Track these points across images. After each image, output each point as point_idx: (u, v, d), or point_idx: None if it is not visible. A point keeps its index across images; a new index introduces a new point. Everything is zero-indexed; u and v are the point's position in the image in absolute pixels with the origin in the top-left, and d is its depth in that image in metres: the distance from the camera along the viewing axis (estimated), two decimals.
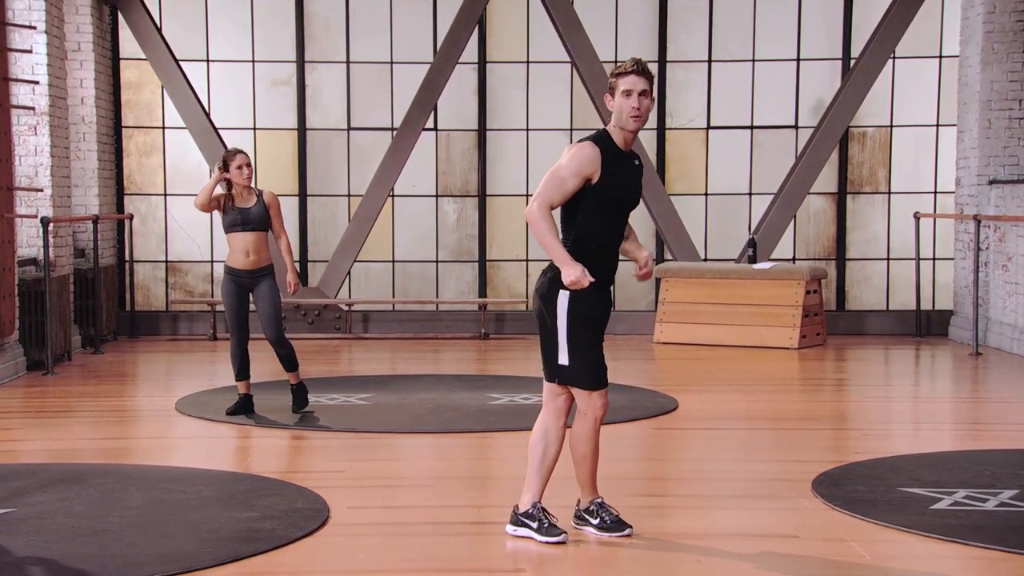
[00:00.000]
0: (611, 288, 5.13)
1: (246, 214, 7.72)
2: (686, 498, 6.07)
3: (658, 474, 6.74)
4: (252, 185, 7.79)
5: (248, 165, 7.74)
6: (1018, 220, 10.83)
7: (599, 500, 5.27)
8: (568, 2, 12.60)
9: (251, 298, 7.83)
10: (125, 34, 12.60)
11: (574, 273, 4.78)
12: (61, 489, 5.89)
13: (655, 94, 4.99)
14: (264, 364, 9.15)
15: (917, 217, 12.30)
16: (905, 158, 12.95)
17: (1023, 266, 10.97)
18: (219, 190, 7.83)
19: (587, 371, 5.03)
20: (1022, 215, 10.85)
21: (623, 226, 5.04)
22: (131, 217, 12.66)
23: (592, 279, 4.82)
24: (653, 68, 13.02)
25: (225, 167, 7.73)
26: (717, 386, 9.54)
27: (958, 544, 5.01)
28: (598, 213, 4.92)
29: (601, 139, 4.94)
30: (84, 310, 11.41)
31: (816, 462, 6.45)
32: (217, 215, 7.95)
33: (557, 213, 4.96)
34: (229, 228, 7.76)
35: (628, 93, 4.85)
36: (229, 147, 8.02)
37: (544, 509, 5.17)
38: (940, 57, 12.73)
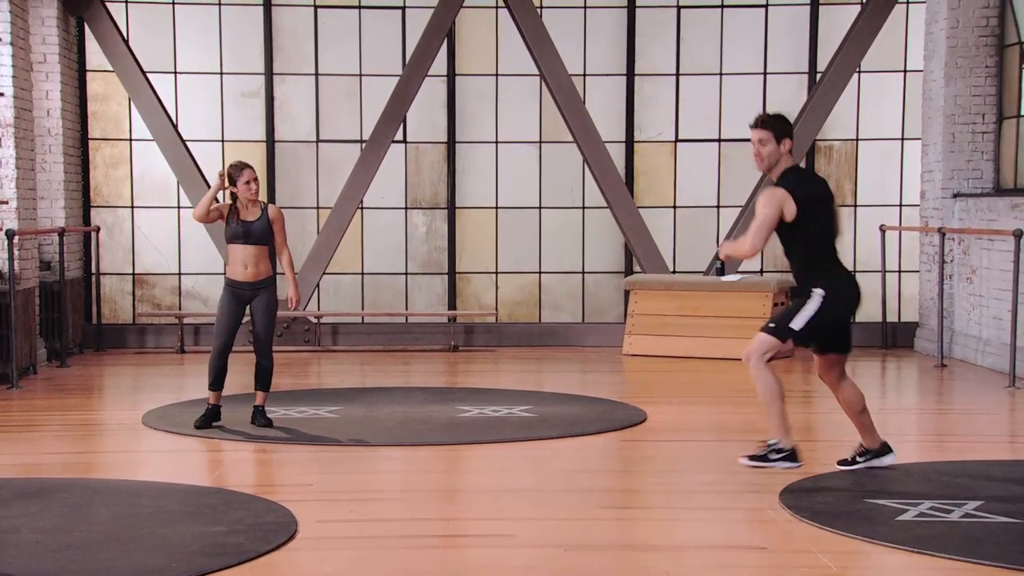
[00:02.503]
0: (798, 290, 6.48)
1: (249, 227, 7.73)
2: (654, 510, 6.09)
3: (626, 486, 6.75)
4: (257, 199, 7.79)
5: (256, 180, 7.77)
6: (982, 233, 10.94)
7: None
8: (536, 15, 12.64)
9: (247, 311, 7.82)
10: (92, 45, 12.53)
11: None
12: (27, 504, 5.84)
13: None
14: (236, 376, 9.10)
15: (883, 230, 12.40)
16: (871, 171, 13.07)
17: (987, 278, 11.09)
18: (220, 199, 7.82)
19: None
20: (986, 228, 10.97)
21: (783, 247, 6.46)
22: (98, 229, 12.58)
23: None
24: (622, 81, 13.24)
25: (231, 181, 7.71)
26: (685, 398, 9.58)
27: (924, 555, 5.05)
28: None
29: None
30: (50, 323, 11.32)
31: (784, 474, 6.48)
32: (199, 225, 7.95)
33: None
34: (231, 239, 7.78)
35: (752, 142, 6.39)
36: (234, 160, 8.00)
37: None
38: (905, 71, 12.86)
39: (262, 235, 7.76)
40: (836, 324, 6.36)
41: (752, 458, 6.57)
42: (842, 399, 6.54)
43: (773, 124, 6.26)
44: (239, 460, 7.29)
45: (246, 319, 7.90)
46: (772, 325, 6.31)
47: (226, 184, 7.75)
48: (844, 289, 6.37)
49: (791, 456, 6.53)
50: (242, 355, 8.19)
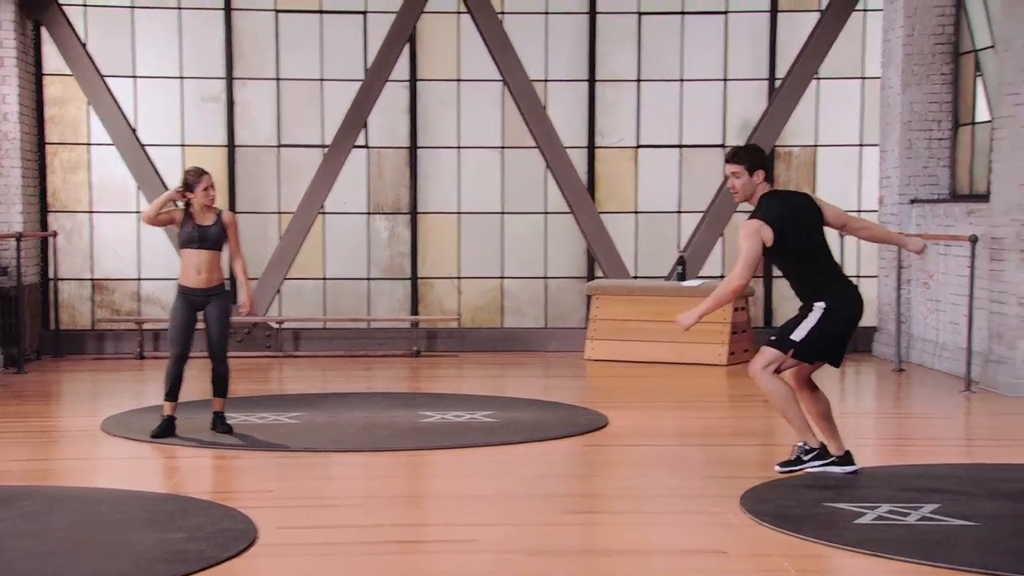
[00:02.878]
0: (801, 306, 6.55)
1: (204, 232, 7.67)
2: (616, 515, 6.11)
3: (588, 491, 6.77)
4: (214, 205, 7.74)
5: (213, 186, 7.73)
6: (938, 238, 11.07)
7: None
8: (498, 21, 12.66)
9: (200, 317, 7.76)
10: (49, 49, 12.42)
11: None
12: None
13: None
14: (194, 383, 9.03)
15: (842, 235, 12.49)
16: (830, 177, 13.17)
17: (944, 284, 11.22)
18: (173, 204, 7.74)
19: None
20: (942, 233, 11.10)
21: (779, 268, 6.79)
22: (55, 234, 12.46)
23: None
24: (583, 87, 13.28)
25: (188, 188, 7.65)
26: (647, 403, 9.62)
27: (881, 558, 5.10)
28: None
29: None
30: (6, 329, 11.19)
31: (744, 478, 6.53)
32: (158, 230, 7.89)
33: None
34: (184, 244, 7.72)
35: (727, 177, 6.53)
36: (191, 166, 7.94)
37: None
38: (863, 78, 12.99)
39: (216, 240, 7.70)
40: (841, 337, 6.50)
41: (785, 464, 6.67)
42: (811, 404, 6.61)
43: (745, 156, 6.47)
44: (198, 467, 7.24)
45: (201, 325, 7.83)
46: (773, 338, 6.48)
47: (184, 193, 7.68)
48: (845, 302, 6.46)
49: (822, 454, 6.62)
50: (199, 360, 8.12)
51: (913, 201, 11.91)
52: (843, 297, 6.45)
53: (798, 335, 6.38)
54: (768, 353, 6.43)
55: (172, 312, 7.78)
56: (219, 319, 7.73)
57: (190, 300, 7.71)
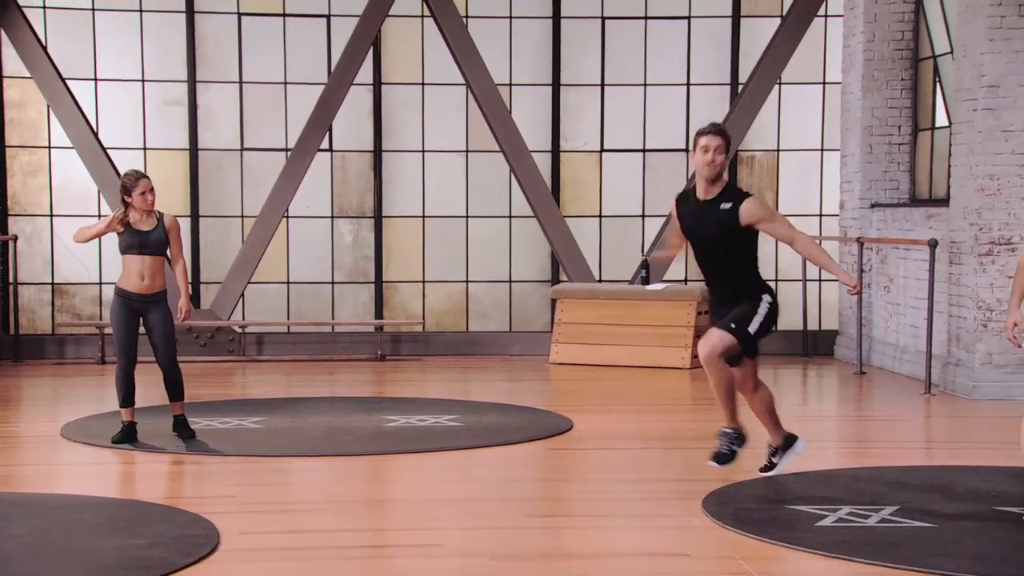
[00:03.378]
0: (727, 295, 6.31)
1: (145, 237, 7.53)
2: (578, 518, 6.13)
3: (551, 494, 6.79)
4: (153, 208, 7.61)
5: (152, 191, 7.53)
6: (898, 242, 11.18)
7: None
8: (462, 24, 12.67)
9: (141, 322, 7.66)
10: (8, 51, 12.30)
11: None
12: None
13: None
14: (152, 387, 8.97)
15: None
16: (792, 182, 13.28)
17: (904, 287, 11.33)
18: (119, 225, 7.58)
19: None
20: (902, 237, 11.21)
21: (711, 255, 6.29)
22: (15, 238, 12.34)
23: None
24: (547, 92, 13.34)
25: (126, 191, 7.53)
26: (611, 406, 9.65)
27: (842, 560, 5.15)
28: (692, 248, 6.46)
29: (684, 191, 6.48)
30: None
31: (706, 480, 6.56)
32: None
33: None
34: (125, 250, 7.56)
35: (706, 149, 6.09)
36: (128, 170, 7.78)
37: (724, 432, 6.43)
38: (824, 83, 13.10)
39: (158, 245, 7.57)
40: (769, 332, 6.41)
41: (766, 469, 6.62)
42: (757, 400, 6.52)
43: (727, 134, 6.22)
44: (160, 472, 7.20)
45: (143, 330, 7.70)
46: (733, 326, 6.18)
47: (124, 212, 7.54)
48: (776, 299, 6.41)
49: (741, 436, 6.46)
50: (154, 365, 8.02)
51: (873, 205, 12.02)
52: (775, 295, 6.38)
53: (753, 326, 6.19)
54: (728, 341, 6.17)
55: (114, 318, 7.62)
56: (164, 325, 7.59)
57: (130, 306, 7.57)
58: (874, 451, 7.94)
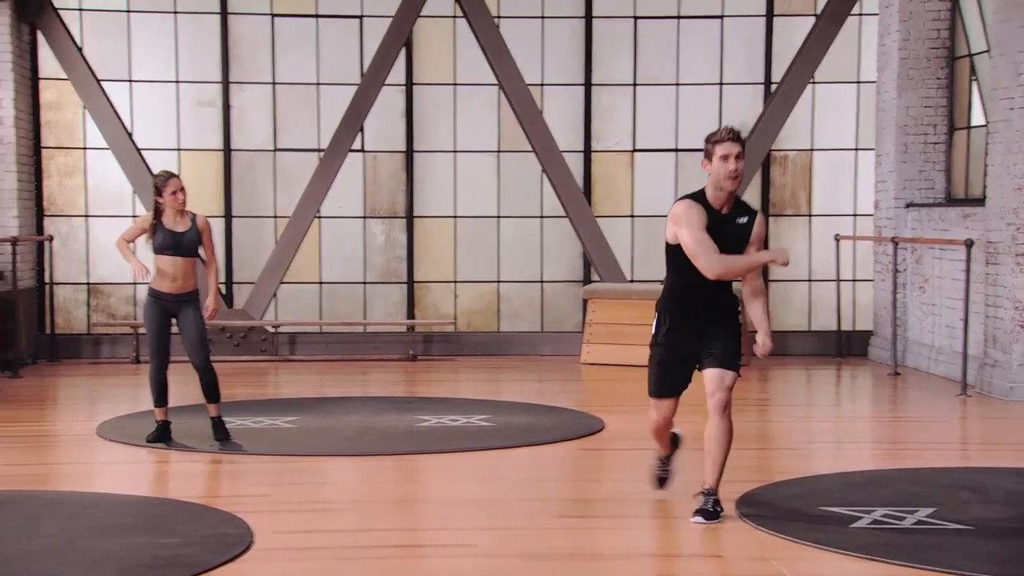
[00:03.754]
0: (706, 322, 5.73)
1: (178, 238, 7.58)
2: (610, 519, 6.10)
3: (583, 495, 6.77)
4: (185, 208, 7.65)
5: (183, 190, 7.58)
6: (934, 242, 11.09)
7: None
8: (494, 25, 12.67)
9: (174, 321, 7.70)
10: (45, 53, 12.41)
11: (776, 254, 5.69)
12: None
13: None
14: (186, 387, 9.03)
15: (837, 239, 12.52)
16: (825, 181, 13.19)
17: (939, 287, 11.23)
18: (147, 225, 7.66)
19: (650, 381, 5.97)
20: (938, 237, 11.11)
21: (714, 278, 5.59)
22: (51, 238, 12.45)
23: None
24: (579, 91, 13.32)
25: (157, 191, 7.59)
26: (642, 406, 9.53)
27: (876, 562, 5.10)
28: (682, 261, 5.63)
29: (699, 200, 5.68)
30: (2, 334, 11.17)
31: (739, 482, 6.52)
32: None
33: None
34: (158, 250, 7.61)
35: (726, 158, 5.50)
36: (159, 170, 7.83)
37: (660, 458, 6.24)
38: (858, 83, 13.00)
39: (191, 246, 7.61)
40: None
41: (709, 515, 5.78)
42: (666, 436, 6.11)
43: (743, 139, 5.72)
44: (194, 471, 7.23)
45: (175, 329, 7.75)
46: (738, 363, 5.72)
47: (157, 203, 7.61)
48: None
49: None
50: (188, 365, 8.06)
51: (909, 205, 11.92)
52: None
53: (739, 360, 5.73)
54: (732, 383, 5.68)
55: (147, 318, 7.67)
56: (195, 324, 7.62)
57: (162, 306, 7.62)
58: (909, 452, 7.87)
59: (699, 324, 5.73)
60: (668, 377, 5.89)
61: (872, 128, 12.68)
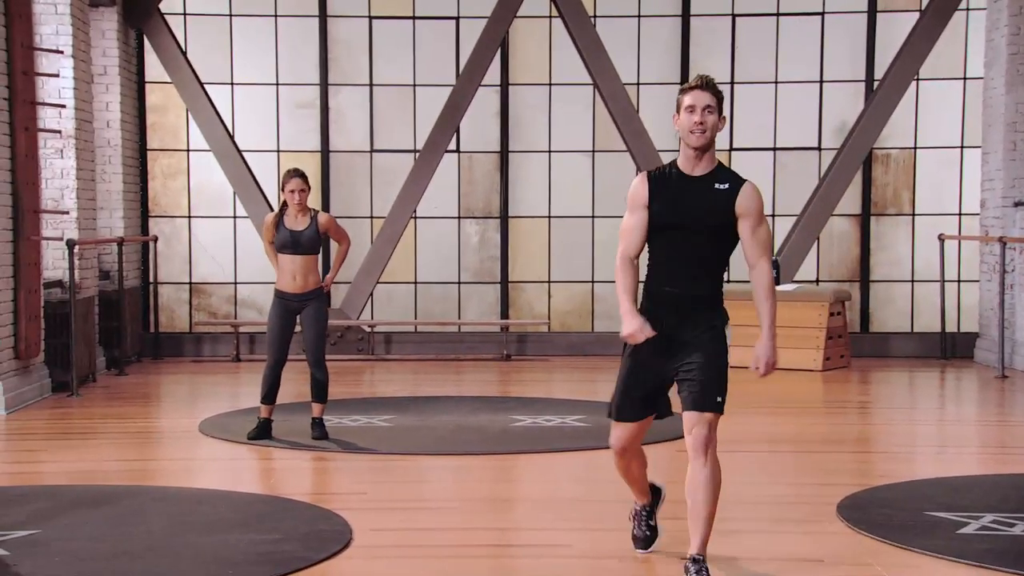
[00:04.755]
0: (685, 320, 4.78)
1: (297, 236, 7.69)
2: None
3: (679, 497, 6.67)
4: (307, 207, 7.75)
5: (303, 190, 7.68)
6: None
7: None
8: (590, 24, 12.63)
9: (297, 320, 7.83)
10: (151, 58, 12.70)
11: (628, 327, 4.72)
12: (85, 511, 5.91)
13: (725, 112, 4.77)
14: (290, 386, 9.15)
15: (942, 239, 12.23)
16: (929, 180, 12.89)
17: None
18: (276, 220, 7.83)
19: (613, 397, 5.03)
20: None
21: (687, 251, 4.73)
22: (155, 239, 12.73)
23: (652, 333, 4.69)
24: (676, 91, 13.13)
25: (281, 187, 7.77)
26: (740, 408, 9.45)
27: (986, 569, 4.95)
28: (653, 240, 4.80)
29: (659, 168, 4.85)
30: (109, 332, 11.46)
31: (841, 485, 6.40)
32: (255, 235, 7.95)
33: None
34: (280, 249, 7.75)
35: (691, 109, 4.63)
36: (291, 167, 7.98)
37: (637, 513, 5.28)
38: (964, 79, 12.68)
39: (311, 245, 7.72)
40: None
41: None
42: (637, 464, 5.18)
43: (719, 90, 4.72)
44: (293, 468, 7.32)
45: (298, 329, 7.90)
46: (720, 400, 4.76)
47: (270, 225, 7.78)
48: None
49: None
50: (295, 363, 8.20)
51: (1017, 204, 11.58)
52: None
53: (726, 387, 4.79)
54: (715, 420, 4.74)
55: (270, 318, 7.84)
56: (316, 324, 7.75)
57: (286, 305, 7.76)
58: (1018, 457, 7.63)
59: (671, 321, 4.75)
60: (636, 388, 4.85)
61: (978, 125, 12.36)
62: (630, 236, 4.81)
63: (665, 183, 4.75)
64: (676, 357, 4.77)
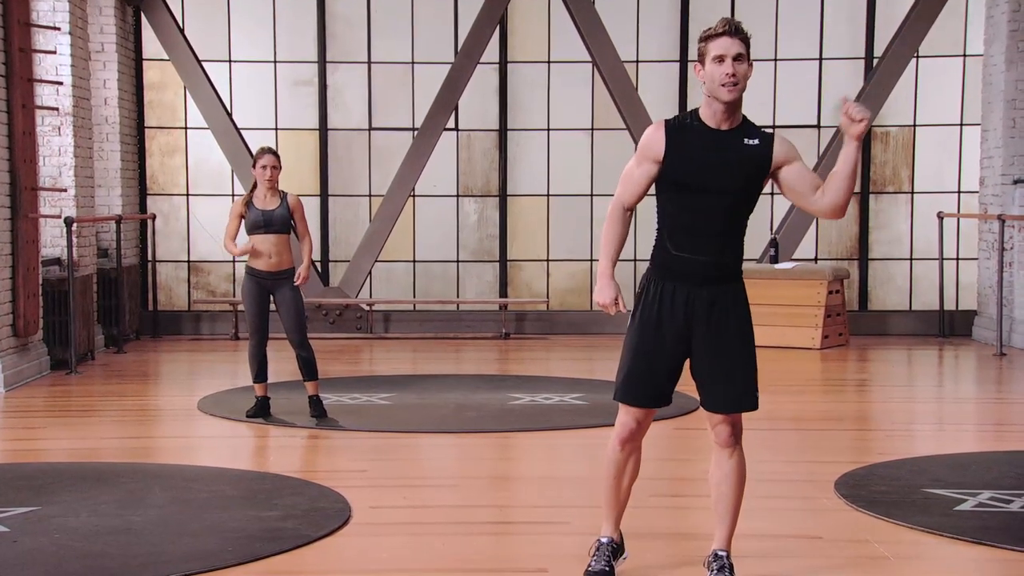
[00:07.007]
0: (703, 293, 4.36)
1: (269, 216, 7.67)
2: (706, 498, 5.99)
3: (680, 474, 6.71)
4: (277, 187, 7.75)
5: (274, 167, 7.67)
6: None
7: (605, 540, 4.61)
8: (590, 2, 12.58)
9: (272, 300, 7.81)
10: (148, 35, 12.66)
11: (601, 295, 4.38)
12: (85, 488, 5.92)
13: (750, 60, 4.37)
14: (283, 363, 9.17)
15: (940, 217, 12.22)
16: (928, 158, 12.88)
17: None
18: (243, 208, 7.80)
19: (619, 378, 4.49)
20: None
21: (711, 216, 4.30)
22: (154, 217, 12.72)
23: (624, 309, 4.38)
24: (675, 68, 13.16)
25: (253, 163, 7.74)
26: None
27: (983, 546, 4.97)
28: (669, 199, 4.38)
29: (679, 117, 4.39)
30: (107, 310, 11.47)
31: (839, 463, 6.42)
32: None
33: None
34: (251, 230, 7.72)
35: (720, 59, 4.22)
36: (262, 145, 7.96)
37: (601, 546, 4.60)
38: (964, 56, 12.65)
39: (282, 223, 7.68)
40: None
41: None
42: (633, 467, 4.73)
43: (748, 38, 4.34)
44: (293, 446, 7.34)
45: (274, 308, 7.85)
46: (758, 395, 4.56)
47: (238, 211, 7.74)
48: None
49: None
50: (283, 343, 8.17)
51: (1016, 181, 11.57)
52: None
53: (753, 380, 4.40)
54: (740, 418, 4.48)
55: (245, 296, 7.78)
56: (293, 304, 7.70)
57: (260, 284, 7.72)
58: (1016, 434, 7.65)
59: (687, 294, 4.36)
60: (647, 370, 4.41)
61: (978, 103, 12.33)
62: (631, 186, 4.43)
63: (686, 136, 4.30)
64: (696, 339, 4.36)
